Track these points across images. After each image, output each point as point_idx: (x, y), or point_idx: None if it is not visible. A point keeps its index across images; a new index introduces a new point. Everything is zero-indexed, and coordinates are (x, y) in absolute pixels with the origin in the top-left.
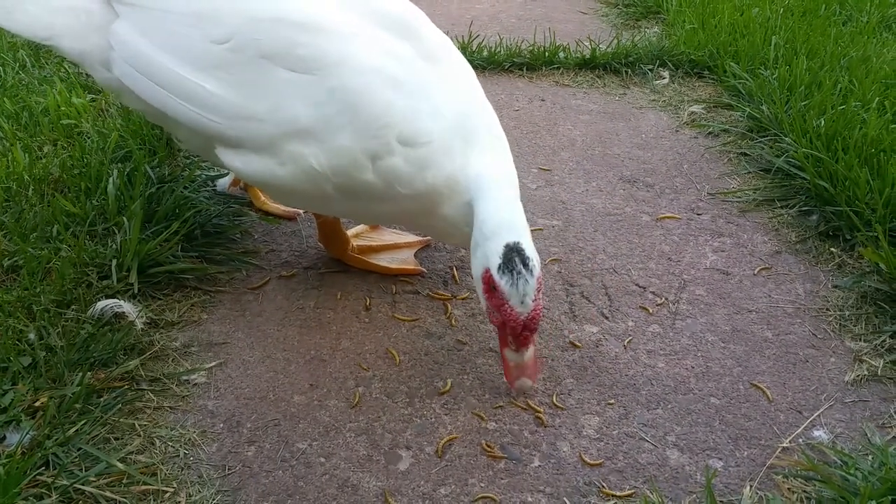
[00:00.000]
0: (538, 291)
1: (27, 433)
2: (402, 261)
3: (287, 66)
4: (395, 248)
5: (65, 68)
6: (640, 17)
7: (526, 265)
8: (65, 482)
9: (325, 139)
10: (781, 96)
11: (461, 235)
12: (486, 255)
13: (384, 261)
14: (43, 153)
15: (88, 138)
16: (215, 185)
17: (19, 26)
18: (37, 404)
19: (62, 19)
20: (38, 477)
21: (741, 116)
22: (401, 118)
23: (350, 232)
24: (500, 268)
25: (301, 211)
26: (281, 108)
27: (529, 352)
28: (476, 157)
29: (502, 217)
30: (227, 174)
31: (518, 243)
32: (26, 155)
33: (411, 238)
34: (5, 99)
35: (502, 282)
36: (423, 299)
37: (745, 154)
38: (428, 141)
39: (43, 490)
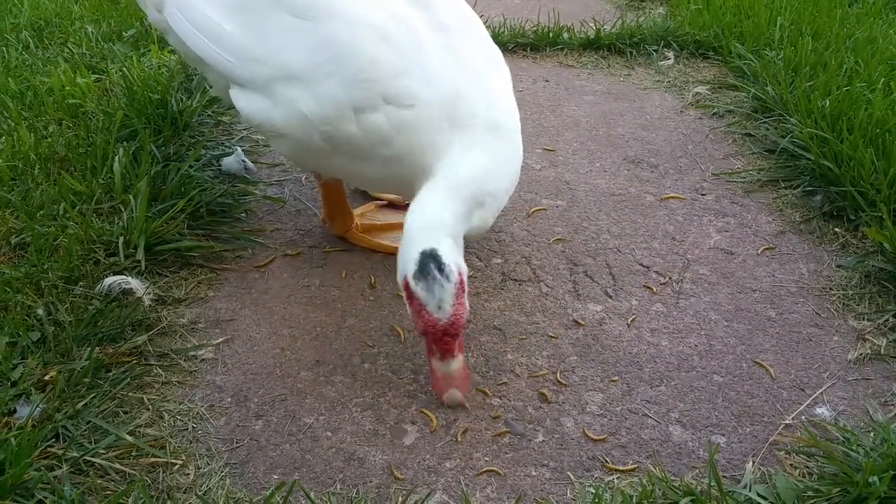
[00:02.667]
0: (458, 297)
1: (37, 406)
2: None
3: (291, 12)
4: (399, 227)
5: (69, 49)
6: None
7: (441, 270)
8: (75, 454)
9: (313, 85)
10: (786, 77)
11: None
12: (405, 261)
13: (388, 240)
14: (48, 132)
15: (93, 118)
16: (220, 165)
17: None
18: (46, 378)
19: None
20: (48, 449)
21: (746, 97)
22: (387, 75)
23: (356, 211)
24: (415, 275)
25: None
26: (279, 51)
27: (457, 362)
28: (455, 147)
29: (425, 222)
30: (233, 154)
31: (434, 250)
32: (32, 134)
33: None
34: (10, 79)
35: (418, 288)
36: None
37: (750, 135)
38: (410, 104)
39: (54, 461)
